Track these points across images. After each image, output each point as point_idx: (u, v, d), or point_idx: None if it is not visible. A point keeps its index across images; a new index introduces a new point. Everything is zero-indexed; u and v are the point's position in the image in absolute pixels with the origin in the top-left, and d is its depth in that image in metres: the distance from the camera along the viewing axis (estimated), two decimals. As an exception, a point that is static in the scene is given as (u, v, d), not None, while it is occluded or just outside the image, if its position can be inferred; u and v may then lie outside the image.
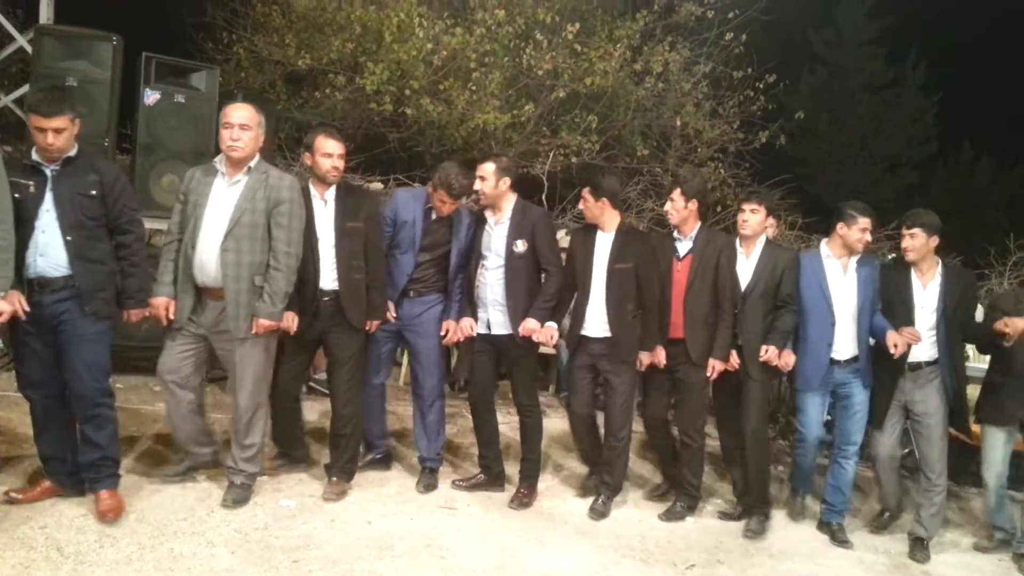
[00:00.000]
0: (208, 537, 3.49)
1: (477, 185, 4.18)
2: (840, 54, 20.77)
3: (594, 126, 8.82)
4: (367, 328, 4.11)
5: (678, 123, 9.23)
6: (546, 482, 4.53)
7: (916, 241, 4.11)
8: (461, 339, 4.27)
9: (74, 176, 3.42)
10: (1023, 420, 4.16)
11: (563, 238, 5.46)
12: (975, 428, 4.38)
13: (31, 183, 3.37)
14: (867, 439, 4.35)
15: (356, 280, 4.00)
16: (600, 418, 4.36)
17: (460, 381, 6.23)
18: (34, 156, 3.41)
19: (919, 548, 4.18)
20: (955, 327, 4.12)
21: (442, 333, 4.25)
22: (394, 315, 4.22)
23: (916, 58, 20.56)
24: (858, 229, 4.14)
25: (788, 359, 4.10)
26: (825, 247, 4.27)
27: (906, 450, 5.58)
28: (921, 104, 20.65)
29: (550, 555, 3.72)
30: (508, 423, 4.87)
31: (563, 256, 4.37)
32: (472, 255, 4.26)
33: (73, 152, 3.45)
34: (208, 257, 3.63)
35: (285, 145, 8.46)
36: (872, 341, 4.21)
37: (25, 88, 5.97)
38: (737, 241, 4.28)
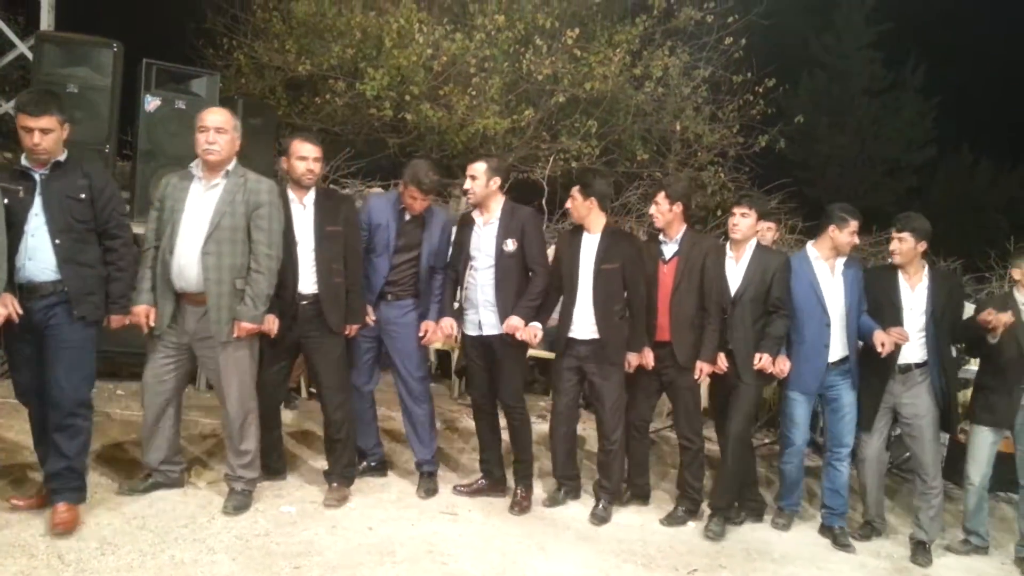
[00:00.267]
0: (209, 544, 3.48)
1: (467, 184, 4.20)
2: (839, 58, 20.81)
3: (594, 131, 8.84)
4: (347, 332, 4.11)
5: (678, 127, 9.25)
6: (548, 488, 4.52)
7: (904, 245, 4.13)
8: (441, 340, 4.23)
9: (63, 180, 3.41)
10: (1013, 420, 4.18)
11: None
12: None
13: (20, 188, 3.36)
14: (856, 442, 4.34)
15: (336, 284, 4.00)
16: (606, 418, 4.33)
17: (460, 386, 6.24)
18: (24, 161, 3.40)
19: (921, 552, 4.18)
20: (943, 329, 4.15)
21: (420, 335, 4.24)
22: (373, 318, 4.21)
23: (915, 62, 20.61)
24: (848, 232, 4.17)
25: (783, 365, 4.10)
26: (813, 249, 4.28)
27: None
28: (920, 108, 20.68)
29: (552, 561, 3.71)
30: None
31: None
32: (443, 256, 4.27)
33: (63, 157, 3.44)
34: (188, 262, 3.62)
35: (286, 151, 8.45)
36: (860, 344, 4.23)
37: (26, 95, 5.96)
38: (727, 245, 4.27)
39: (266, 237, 3.68)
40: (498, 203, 4.21)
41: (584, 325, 4.15)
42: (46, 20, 6.41)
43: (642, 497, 4.49)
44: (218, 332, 3.65)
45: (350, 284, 4.05)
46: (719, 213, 8.30)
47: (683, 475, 4.35)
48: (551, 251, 4.52)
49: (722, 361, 4.13)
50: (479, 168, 4.16)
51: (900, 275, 4.18)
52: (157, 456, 3.88)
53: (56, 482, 3.46)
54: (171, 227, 3.65)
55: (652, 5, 9.02)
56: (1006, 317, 3.99)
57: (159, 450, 3.87)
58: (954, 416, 4.28)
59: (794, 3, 12.19)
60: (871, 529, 4.38)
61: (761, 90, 9.24)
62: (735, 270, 4.20)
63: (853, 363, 4.20)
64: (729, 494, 4.23)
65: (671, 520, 4.28)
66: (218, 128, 3.64)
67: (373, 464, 4.49)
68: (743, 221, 4.20)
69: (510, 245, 4.13)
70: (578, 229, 4.25)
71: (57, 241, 3.36)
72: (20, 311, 3.29)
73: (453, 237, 4.36)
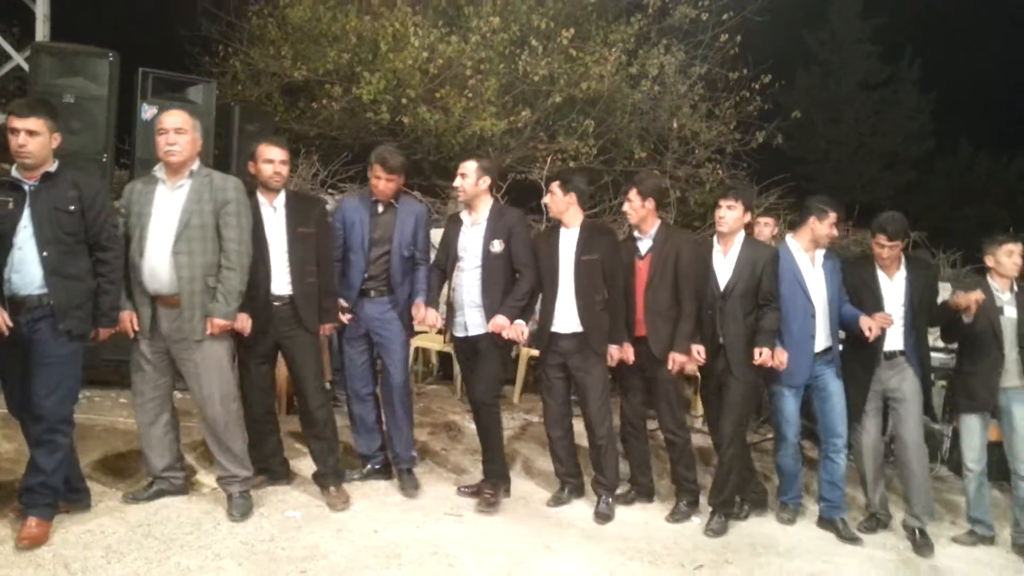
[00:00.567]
0: (215, 550, 3.48)
1: (457, 182, 4.22)
2: (835, 53, 20.83)
3: (591, 130, 8.85)
4: (322, 331, 4.13)
5: (675, 125, 9.26)
6: (551, 487, 4.51)
7: (895, 251, 4.16)
8: (428, 326, 4.28)
9: (53, 191, 3.38)
10: (995, 405, 4.19)
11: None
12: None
13: (9, 200, 3.33)
14: (850, 434, 4.33)
15: (310, 284, 4.01)
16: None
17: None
18: (14, 172, 3.38)
19: (924, 542, 4.16)
20: (922, 317, 4.20)
21: (411, 319, 4.23)
22: (345, 317, 4.21)
23: (911, 55, 20.62)
24: (828, 223, 4.19)
25: (782, 357, 4.08)
26: (794, 241, 4.29)
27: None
28: (917, 101, 20.70)
29: (557, 560, 3.71)
30: (510, 428, 4.86)
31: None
32: (423, 248, 4.28)
33: (52, 168, 3.41)
34: (159, 263, 3.60)
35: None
36: (843, 335, 4.24)
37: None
38: (715, 238, 4.27)
39: (235, 234, 3.68)
40: (486, 204, 4.23)
41: (566, 318, 4.16)
42: (41, 31, 6.43)
43: (646, 495, 4.48)
44: (191, 331, 3.64)
45: (322, 284, 4.07)
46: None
47: (676, 469, 4.34)
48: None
49: (697, 353, 4.14)
50: (470, 167, 4.19)
51: (877, 266, 4.22)
52: (159, 463, 3.88)
53: (29, 497, 3.42)
54: (139, 231, 3.63)
55: (647, 4, 9.05)
56: (975, 295, 4.03)
57: (160, 457, 3.88)
58: (930, 403, 4.33)
59: (788, -1, 12.20)
60: (876, 522, 4.37)
61: (757, 86, 9.26)
62: (724, 264, 4.19)
63: (836, 353, 4.22)
64: (727, 491, 4.22)
65: (675, 516, 4.27)
66: (177, 129, 3.63)
67: (377, 467, 4.48)
68: (729, 213, 4.17)
69: (497, 246, 4.14)
70: (555, 227, 4.29)
71: (45, 254, 3.32)
72: (10, 323, 3.27)
73: (442, 236, 4.37)
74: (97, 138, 5.26)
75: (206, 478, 4.21)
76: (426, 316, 4.21)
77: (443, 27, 8.63)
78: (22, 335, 3.33)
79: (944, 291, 4.80)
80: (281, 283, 3.96)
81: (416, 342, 6.69)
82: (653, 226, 4.25)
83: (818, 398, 4.28)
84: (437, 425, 5.65)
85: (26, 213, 3.33)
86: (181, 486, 3.97)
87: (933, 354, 4.69)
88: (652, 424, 4.48)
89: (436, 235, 4.56)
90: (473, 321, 4.20)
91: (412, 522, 3.98)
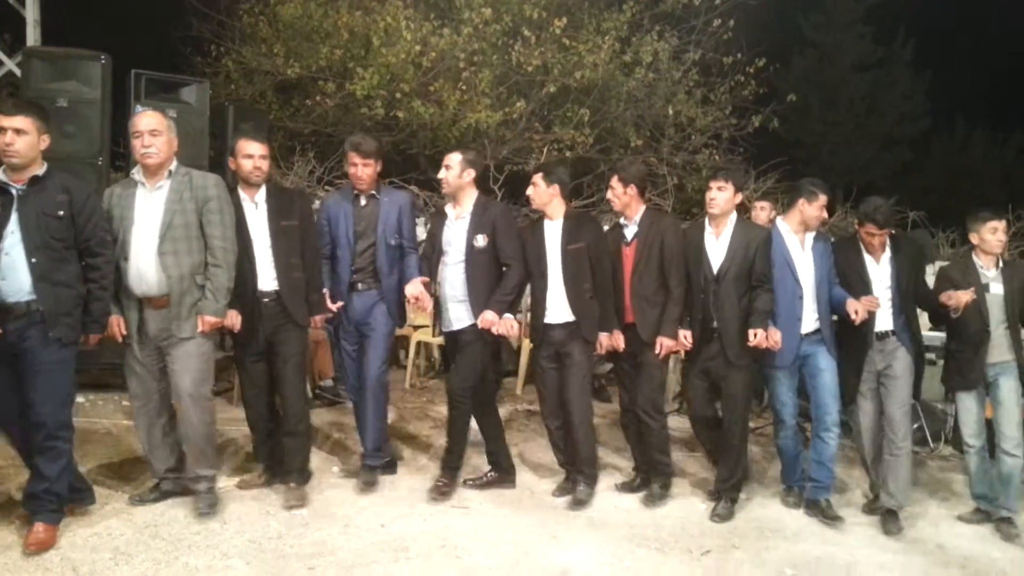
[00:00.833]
0: (222, 549, 3.49)
1: (442, 173, 4.21)
2: (829, 35, 20.78)
3: (587, 119, 8.83)
4: (312, 324, 4.13)
5: (670, 112, 9.23)
6: (556, 478, 4.52)
7: (883, 237, 4.17)
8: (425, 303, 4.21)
9: (41, 195, 3.34)
10: (987, 382, 4.19)
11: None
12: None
13: None
14: (849, 416, 4.33)
15: (296, 278, 4.00)
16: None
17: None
18: (1, 175, 3.34)
19: (891, 520, 4.14)
20: (909, 297, 4.20)
21: (409, 289, 4.16)
22: (334, 308, 4.20)
23: (904, 35, 20.57)
24: (818, 206, 4.18)
25: (776, 337, 4.06)
26: (783, 223, 4.28)
27: (915, 425, 5.60)
28: (912, 81, 20.66)
29: (565, 549, 3.72)
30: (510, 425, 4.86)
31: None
32: (410, 236, 4.27)
33: (41, 171, 3.37)
34: (146, 265, 3.58)
35: (279, 155, 8.46)
36: (835, 317, 4.23)
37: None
38: (707, 221, 4.26)
39: (219, 231, 3.67)
40: (470, 197, 4.21)
41: (558, 309, 4.16)
42: (32, 36, 6.41)
43: (665, 475, 4.40)
44: (178, 329, 3.63)
45: (309, 277, 4.06)
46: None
47: (650, 453, 4.33)
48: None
49: (684, 338, 4.14)
50: (454, 158, 4.18)
51: (863, 248, 4.21)
52: (162, 465, 3.89)
53: (34, 503, 3.43)
54: (122, 235, 3.60)
55: (639, -10, 9.02)
56: (966, 296, 4.02)
57: (163, 459, 3.88)
58: (918, 382, 4.30)
59: (781, -19, 12.18)
60: (880, 504, 4.38)
61: (752, 71, 9.24)
62: (716, 246, 4.18)
63: (827, 334, 4.20)
64: (735, 477, 4.23)
65: (649, 499, 4.26)
66: (152, 131, 3.60)
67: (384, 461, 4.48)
68: (720, 195, 4.16)
69: (480, 241, 4.13)
70: (539, 219, 4.28)
71: (33, 260, 3.28)
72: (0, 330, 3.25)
73: (428, 229, 4.36)
74: (92, 141, 5.25)
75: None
76: (422, 294, 4.13)
77: (435, 20, 8.60)
78: (11, 343, 3.30)
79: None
80: (267, 279, 3.95)
81: (418, 336, 6.69)
82: (638, 212, 4.24)
83: (808, 376, 4.26)
84: (440, 420, 5.65)
85: (14, 218, 3.29)
86: (186, 486, 3.97)
87: (933, 333, 4.69)
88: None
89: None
90: (457, 316, 4.19)
91: (419, 515, 3.99)
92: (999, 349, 4.16)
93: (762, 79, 9.31)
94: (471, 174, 4.18)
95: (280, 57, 8.60)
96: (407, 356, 6.87)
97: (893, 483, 4.17)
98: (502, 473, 4.43)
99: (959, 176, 19.93)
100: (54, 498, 3.44)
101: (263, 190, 4.00)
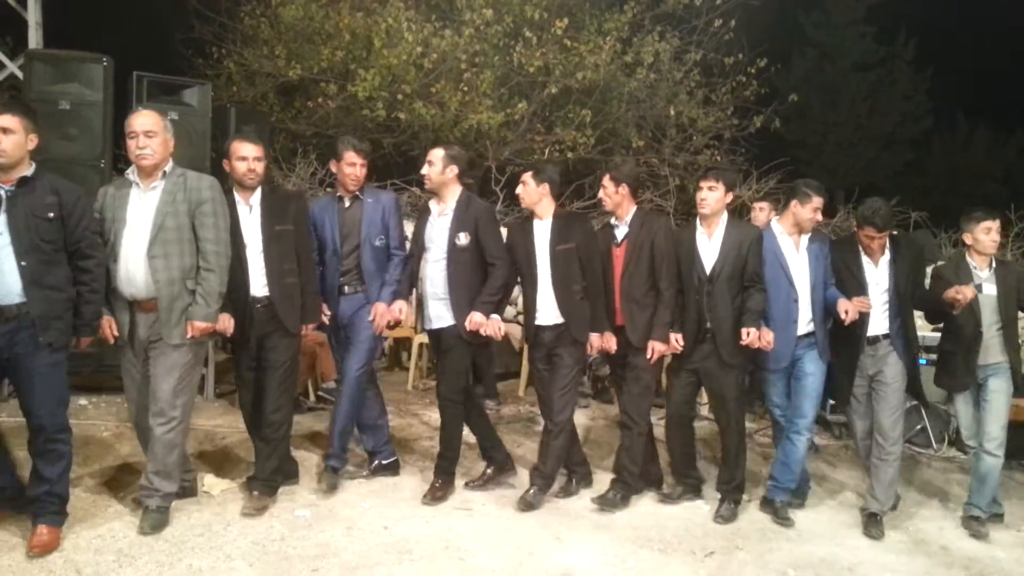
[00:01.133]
0: (226, 551, 3.49)
1: (424, 170, 4.20)
2: (830, 35, 20.78)
3: (588, 120, 8.83)
4: (303, 332, 4.10)
5: (672, 113, 9.24)
6: (559, 479, 4.52)
7: (882, 240, 4.13)
8: (391, 323, 4.23)
9: (30, 197, 3.26)
10: (975, 382, 4.20)
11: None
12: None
13: None
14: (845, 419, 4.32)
15: (289, 284, 3.95)
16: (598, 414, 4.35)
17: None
18: None
19: (873, 523, 4.11)
20: (907, 300, 4.16)
21: (370, 319, 4.19)
22: (327, 314, 4.20)
23: (906, 35, 20.56)
24: (811, 208, 4.13)
25: (768, 337, 4.03)
26: (777, 224, 4.25)
27: (918, 426, 5.60)
28: (913, 80, 20.66)
29: (568, 550, 3.72)
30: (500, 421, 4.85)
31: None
32: (397, 237, 4.26)
33: (29, 172, 3.31)
34: (135, 267, 3.51)
35: (280, 157, 8.47)
36: (831, 320, 4.22)
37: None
38: (698, 221, 4.23)
39: (212, 234, 3.60)
40: (454, 194, 4.19)
41: (548, 310, 4.14)
42: (34, 38, 6.40)
43: (655, 484, 4.46)
44: (168, 334, 3.55)
45: (304, 283, 4.02)
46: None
47: (620, 456, 4.29)
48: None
49: (675, 341, 4.12)
50: (437, 154, 4.17)
51: (861, 250, 4.17)
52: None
53: (37, 506, 3.41)
54: (113, 235, 3.55)
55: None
56: (971, 292, 3.99)
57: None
58: (918, 385, 4.29)
59: (781, -19, 12.19)
60: (863, 507, 4.38)
61: (753, 71, 9.23)
62: (708, 246, 4.15)
63: (820, 337, 4.17)
64: (736, 479, 4.22)
65: (602, 503, 4.18)
66: (147, 132, 3.54)
67: (384, 463, 4.49)
68: (711, 195, 4.13)
69: (463, 239, 4.10)
70: (528, 220, 4.26)
71: (23, 263, 3.22)
72: None
73: (414, 226, 4.35)
74: (94, 144, 5.25)
75: (215, 480, 4.22)
76: (387, 315, 4.15)
77: (436, 21, 8.61)
78: (1, 347, 3.27)
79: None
80: (259, 284, 3.91)
81: (420, 338, 6.69)
82: (629, 212, 4.22)
83: (793, 378, 4.23)
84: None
85: (2, 220, 3.23)
86: (190, 488, 3.97)
87: (935, 334, 4.67)
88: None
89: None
90: (438, 314, 4.18)
91: (422, 517, 3.99)
92: (991, 350, 4.15)
93: (763, 79, 9.31)
94: (454, 170, 4.16)
95: (282, 59, 8.61)
96: (409, 358, 6.87)
97: (878, 487, 4.16)
98: (498, 465, 4.43)
99: (961, 176, 19.93)
100: (56, 500, 3.43)
101: (258, 193, 3.95)
